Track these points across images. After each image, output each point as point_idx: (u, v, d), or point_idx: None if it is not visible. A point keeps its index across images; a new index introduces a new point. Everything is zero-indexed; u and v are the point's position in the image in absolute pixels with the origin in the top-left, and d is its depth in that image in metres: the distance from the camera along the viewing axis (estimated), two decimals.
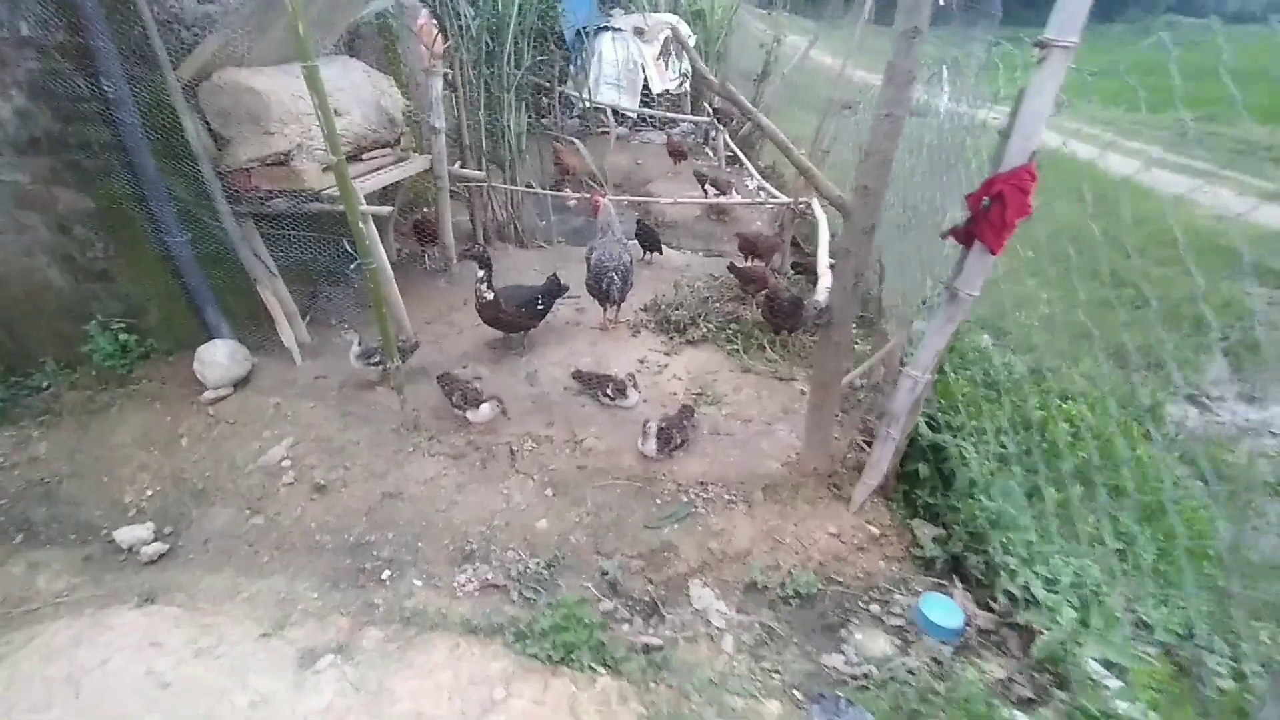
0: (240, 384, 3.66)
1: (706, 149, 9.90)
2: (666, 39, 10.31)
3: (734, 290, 4.95)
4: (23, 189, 3.21)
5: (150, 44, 3.00)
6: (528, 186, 6.20)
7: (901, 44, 2.22)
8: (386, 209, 3.69)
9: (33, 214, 3.31)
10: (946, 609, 2.52)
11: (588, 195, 5.74)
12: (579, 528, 2.90)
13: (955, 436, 2.97)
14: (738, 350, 4.20)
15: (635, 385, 3.56)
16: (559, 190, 7.93)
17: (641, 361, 4.08)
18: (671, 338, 4.36)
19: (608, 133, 10.54)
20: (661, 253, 5.71)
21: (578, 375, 3.71)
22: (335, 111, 3.78)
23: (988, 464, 2.92)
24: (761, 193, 7.62)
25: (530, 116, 6.23)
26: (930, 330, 2.63)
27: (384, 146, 4.49)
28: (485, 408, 3.30)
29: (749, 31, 10.34)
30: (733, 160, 9.20)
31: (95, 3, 2.74)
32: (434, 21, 5.19)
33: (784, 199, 5.38)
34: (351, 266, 3.28)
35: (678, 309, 4.61)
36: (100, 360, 3.59)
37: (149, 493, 3.18)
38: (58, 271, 3.50)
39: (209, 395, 3.51)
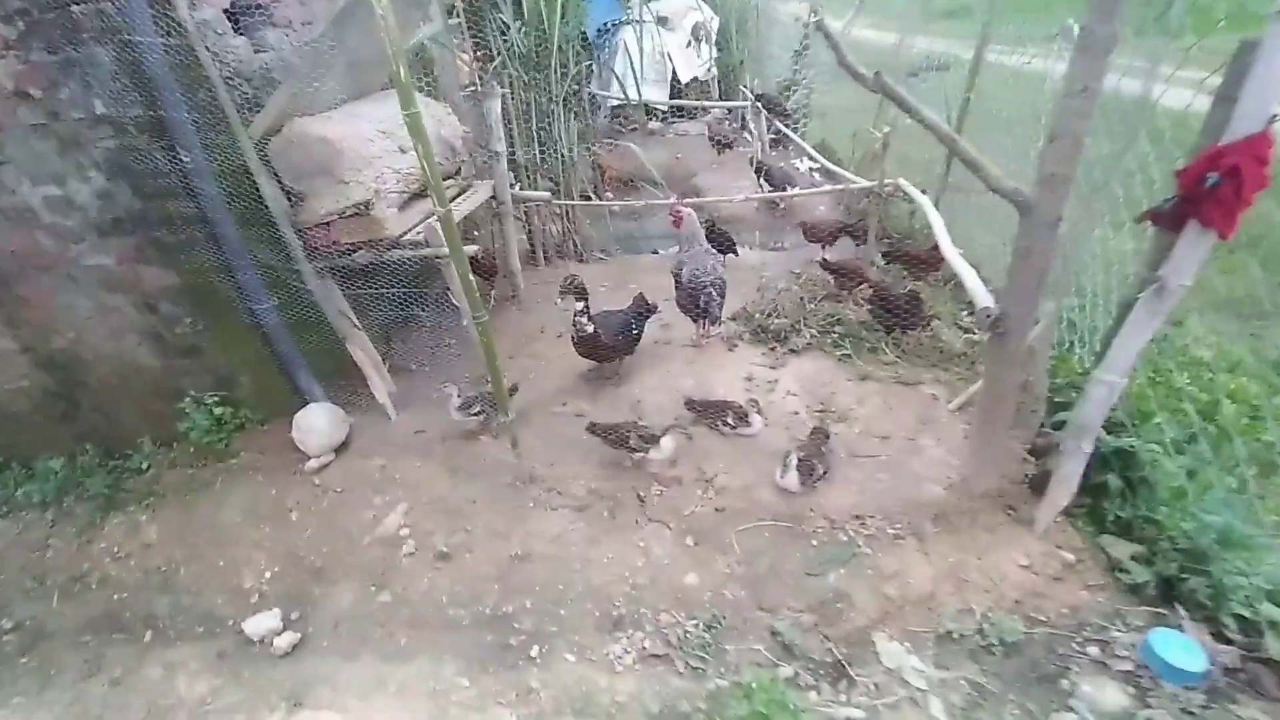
0: (340, 449, 3.50)
1: (745, 134, 9.51)
2: (696, 25, 9.91)
3: (827, 287, 4.62)
4: (109, 271, 3.08)
5: (219, 105, 2.81)
6: (585, 198, 5.95)
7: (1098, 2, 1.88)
8: (473, 248, 3.47)
9: (119, 295, 3.20)
10: (1182, 647, 2.19)
11: (654, 200, 5.45)
12: (732, 580, 2.65)
13: (1143, 438, 2.63)
14: (849, 355, 3.88)
15: (758, 409, 3.28)
16: (602, 196, 7.70)
17: (748, 379, 3.80)
18: (773, 348, 4.06)
19: (637, 129, 10.24)
20: (737, 254, 5.40)
21: (691, 405, 3.44)
22: (399, 149, 3.58)
23: (1190, 467, 2.57)
24: (817, 175, 7.25)
25: (580, 123, 5.96)
26: (1128, 327, 2.29)
27: (448, 178, 4.28)
28: (667, 441, 3.07)
29: (776, 10, 9.84)
30: (776, 142, 8.81)
31: (165, 70, 2.56)
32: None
33: (862, 181, 5.00)
34: (465, 322, 3.07)
35: (772, 315, 4.30)
36: (198, 437, 3.47)
37: (267, 574, 3.04)
38: (147, 350, 3.38)
39: (313, 464, 3.36)
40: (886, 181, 4.78)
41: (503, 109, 4.93)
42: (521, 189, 5.14)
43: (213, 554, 3.16)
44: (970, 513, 2.67)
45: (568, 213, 5.85)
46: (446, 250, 2.70)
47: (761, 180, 6.52)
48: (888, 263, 4.77)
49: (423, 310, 4.17)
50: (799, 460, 2.89)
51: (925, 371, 3.72)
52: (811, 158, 6.95)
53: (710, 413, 3.36)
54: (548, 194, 5.10)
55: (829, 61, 8.45)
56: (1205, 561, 2.34)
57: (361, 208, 3.26)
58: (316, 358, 3.59)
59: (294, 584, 2.98)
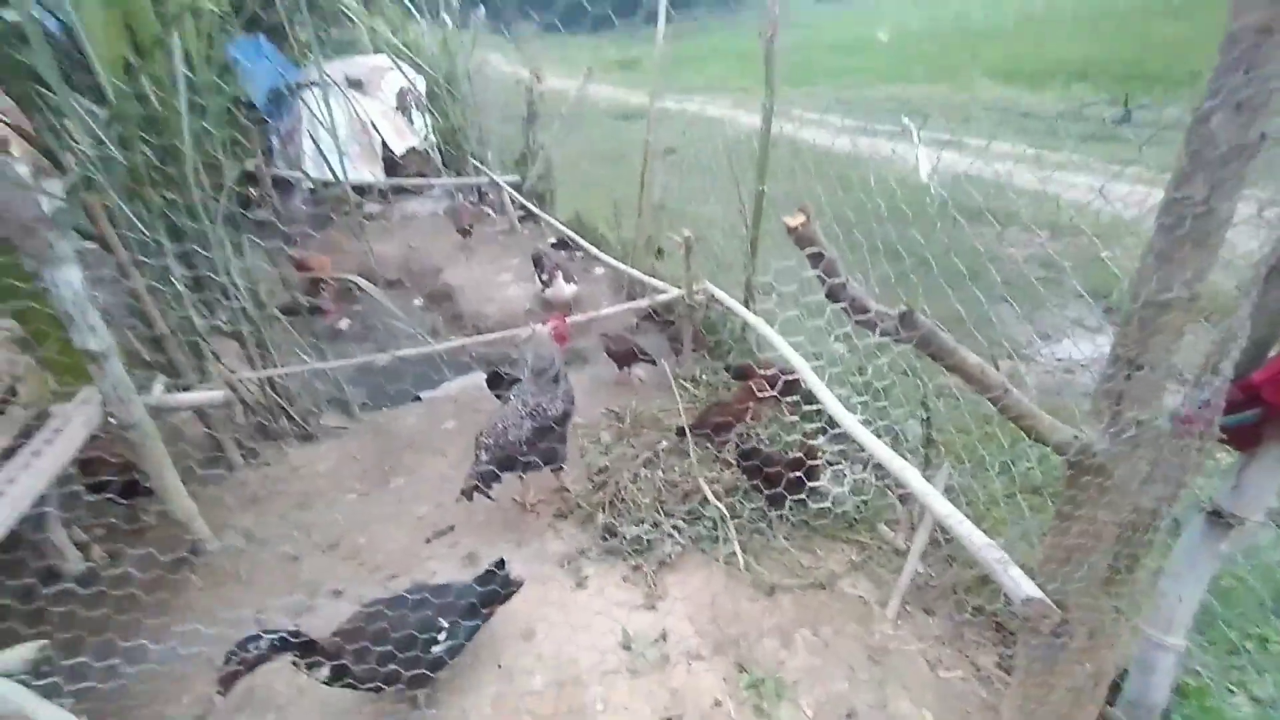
0: None
1: (486, 209, 8.24)
2: (401, 90, 8.30)
3: (657, 426, 3.61)
4: None
5: None
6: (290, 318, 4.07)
7: None
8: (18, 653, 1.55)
9: None
10: None
11: (408, 342, 3.81)
12: None
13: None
14: (734, 555, 2.88)
15: None
16: (313, 310, 5.73)
17: (625, 645, 2.53)
18: (636, 567, 2.86)
19: (349, 213, 8.30)
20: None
21: None
22: None
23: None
24: (578, 256, 6.33)
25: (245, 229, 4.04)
26: (1179, 571, 1.63)
27: None
28: None
29: (489, 70, 8.77)
30: (525, 218, 7.75)
31: None
32: None
33: (669, 290, 4.14)
34: None
35: (615, 506, 3.11)
36: None
37: None
38: None
39: None
40: (696, 288, 3.98)
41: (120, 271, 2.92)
42: (172, 384, 3.12)
43: None
44: None
45: (270, 379, 3.89)
46: None
47: (545, 275, 5.32)
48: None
49: None
50: None
51: (829, 552, 2.90)
52: (571, 241, 5.96)
53: None
54: (219, 393, 3.16)
55: (561, 126, 7.70)
56: None
57: None
58: None
59: None
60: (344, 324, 6.32)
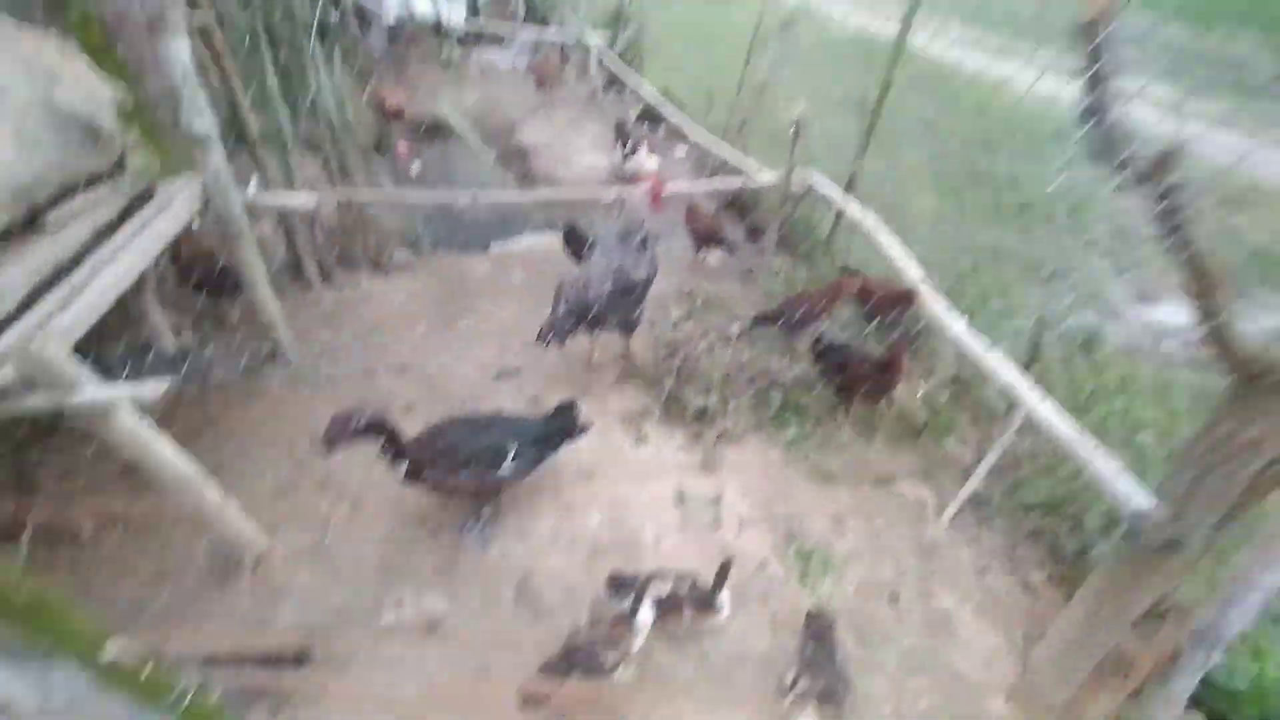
0: None
1: (567, 69, 7.79)
2: None
3: (727, 309, 3.54)
4: None
5: None
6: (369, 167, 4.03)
7: None
8: (152, 388, 1.63)
9: None
10: None
11: (483, 188, 3.72)
12: None
13: None
14: (797, 441, 2.89)
15: (724, 580, 2.11)
16: (394, 149, 5.64)
17: (679, 499, 2.61)
18: (697, 435, 2.90)
19: (429, 55, 7.99)
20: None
21: (619, 584, 2.14)
22: None
23: None
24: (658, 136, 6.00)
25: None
26: None
27: (92, 184, 2.23)
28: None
29: None
30: (611, 83, 7.32)
31: None
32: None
33: (765, 174, 3.89)
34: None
35: (684, 378, 3.10)
36: None
37: None
38: None
39: None
40: (797, 175, 3.73)
41: (206, 53, 2.83)
42: (266, 184, 3.12)
43: None
44: None
45: (351, 205, 3.88)
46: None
47: (625, 146, 5.08)
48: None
49: None
50: (823, 687, 1.85)
51: (889, 456, 2.88)
52: (658, 114, 5.61)
53: (650, 597, 2.12)
54: (312, 196, 3.14)
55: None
56: None
57: None
58: None
59: None
60: (415, 168, 6.22)
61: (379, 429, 2.04)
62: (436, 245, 4.53)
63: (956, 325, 2.35)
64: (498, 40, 8.10)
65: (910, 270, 2.68)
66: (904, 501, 2.67)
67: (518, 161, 6.47)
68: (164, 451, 1.81)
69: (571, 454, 2.66)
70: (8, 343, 1.57)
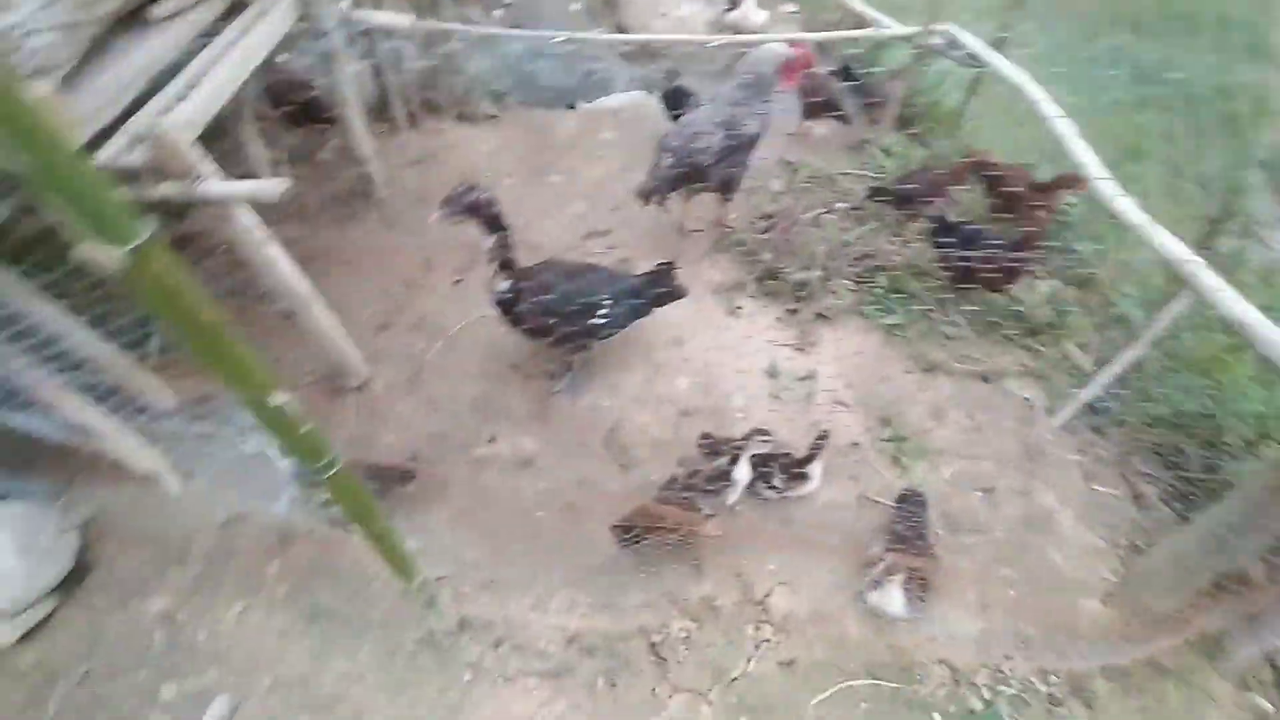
0: (70, 581, 1.85)
1: None
2: None
3: (831, 186, 3.25)
4: None
5: None
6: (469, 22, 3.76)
7: None
8: (273, 186, 1.60)
9: None
10: None
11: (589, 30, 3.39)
12: None
13: None
14: (899, 326, 2.71)
15: (817, 448, 2.07)
16: None
17: (770, 373, 2.53)
18: (793, 311, 2.76)
19: None
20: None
21: (710, 445, 2.13)
22: None
23: None
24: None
25: None
26: None
27: None
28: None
29: None
30: None
31: None
32: None
33: (895, 25, 3.37)
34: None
35: (782, 252, 2.91)
36: None
37: None
38: None
39: (3, 634, 1.73)
40: (935, 27, 3.23)
41: None
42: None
43: None
44: (1151, 651, 1.83)
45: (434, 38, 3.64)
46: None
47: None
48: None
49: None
50: (909, 571, 1.83)
51: (1002, 352, 2.68)
52: None
53: (742, 459, 2.11)
54: (406, 18, 2.93)
55: None
56: None
57: None
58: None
59: None
60: (498, 13, 5.79)
61: (494, 221, 1.99)
62: (518, 97, 4.28)
63: (1124, 203, 2.04)
64: None
65: (1077, 150, 2.32)
66: (1011, 400, 2.51)
67: (606, 13, 5.93)
68: (279, 259, 1.82)
69: (663, 317, 2.58)
70: (136, 129, 1.55)
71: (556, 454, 2.25)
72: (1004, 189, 2.82)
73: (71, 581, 1.83)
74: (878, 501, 2.13)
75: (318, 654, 1.78)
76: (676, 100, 3.49)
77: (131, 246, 0.68)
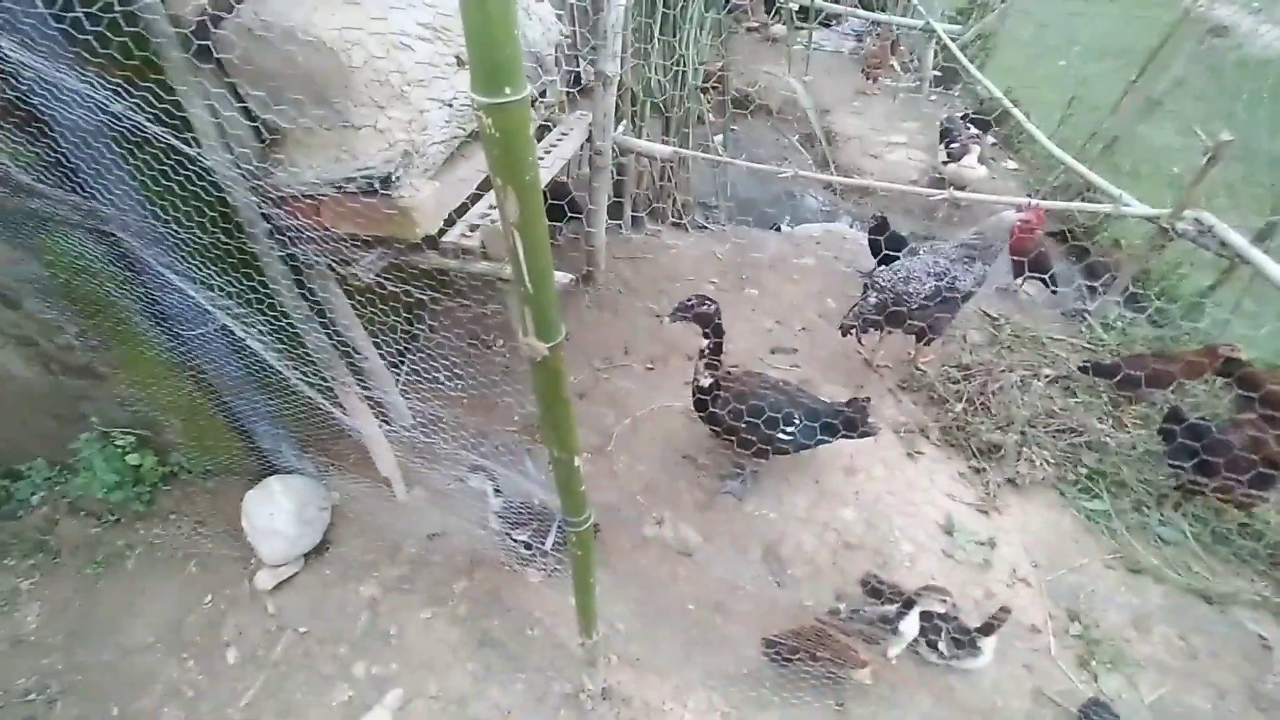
0: (316, 550, 2.28)
1: (897, 60, 7.35)
2: None
3: (1039, 357, 3.12)
4: None
5: None
6: (704, 149, 4.30)
7: None
8: (567, 277, 2.01)
9: None
10: None
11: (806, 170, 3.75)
12: None
13: None
14: (1104, 514, 2.49)
15: (996, 627, 1.95)
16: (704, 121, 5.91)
17: (946, 529, 2.44)
18: (979, 470, 2.66)
19: (757, 29, 8.17)
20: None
21: (874, 587, 2.10)
22: (456, 60, 2.07)
23: None
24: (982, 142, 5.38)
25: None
26: None
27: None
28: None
29: None
30: (942, 80, 6.78)
31: None
32: None
33: (1138, 206, 3.28)
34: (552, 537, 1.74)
35: (976, 406, 2.85)
36: (104, 491, 2.26)
37: None
38: (17, 357, 2.09)
39: (265, 579, 2.16)
40: (1188, 213, 3.09)
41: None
42: (624, 128, 3.51)
43: (107, 693, 2.05)
44: None
45: (674, 162, 4.20)
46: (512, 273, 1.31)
47: (952, 146, 4.70)
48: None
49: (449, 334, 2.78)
50: None
51: (1233, 574, 2.33)
52: (993, 121, 5.00)
53: (907, 614, 2.04)
54: (666, 148, 3.47)
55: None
56: None
57: (376, 182, 1.80)
58: (286, 402, 2.27)
59: None
60: (718, 139, 6.49)
61: (715, 328, 2.23)
62: (733, 216, 4.73)
63: None
64: (828, 22, 7.96)
65: None
66: (1240, 632, 2.16)
67: (819, 146, 6.38)
68: None
69: (838, 444, 2.63)
70: (470, 219, 2.04)
71: (715, 552, 2.34)
72: (1258, 392, 2.53)
73: (316, 552, 2.26)
74: (1058, 704, 1.93)
75: (479, 678, 1.98)
76: (889, 243, 3.63)
77: (553, 344, 0.96)
